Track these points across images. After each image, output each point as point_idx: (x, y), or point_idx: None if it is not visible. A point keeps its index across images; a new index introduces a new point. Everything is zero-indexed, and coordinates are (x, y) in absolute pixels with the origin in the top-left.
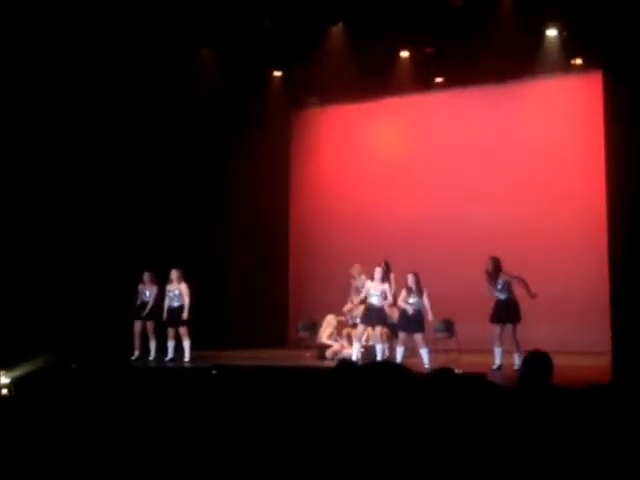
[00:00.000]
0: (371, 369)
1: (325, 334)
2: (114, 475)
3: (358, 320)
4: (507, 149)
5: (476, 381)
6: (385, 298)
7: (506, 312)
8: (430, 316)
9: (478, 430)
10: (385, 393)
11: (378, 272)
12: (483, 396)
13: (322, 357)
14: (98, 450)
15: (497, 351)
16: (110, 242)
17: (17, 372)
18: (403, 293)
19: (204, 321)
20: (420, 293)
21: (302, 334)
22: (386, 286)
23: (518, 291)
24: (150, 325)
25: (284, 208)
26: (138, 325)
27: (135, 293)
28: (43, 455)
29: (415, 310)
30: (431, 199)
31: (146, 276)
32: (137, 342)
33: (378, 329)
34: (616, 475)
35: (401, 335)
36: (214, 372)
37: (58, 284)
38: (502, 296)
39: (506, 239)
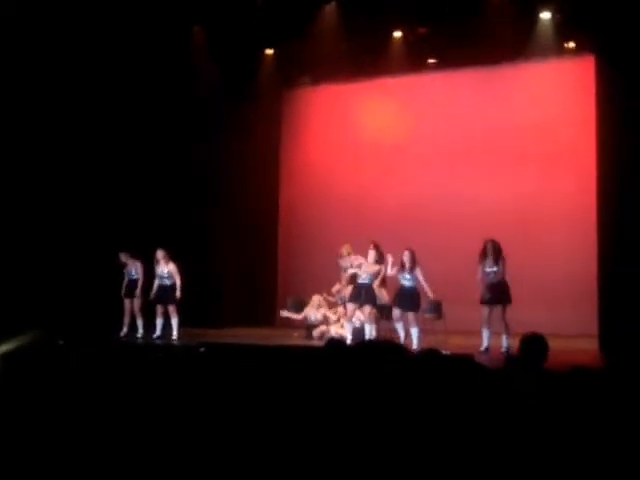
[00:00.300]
0: (362, 348)
1: (311, 314)
2: (100, 454)
3: (347, 300)
4: (500, 131)
5: (463, 362)
6: (376, 279)
7: (496, 294)
8: (430, 293)
9: (465, 412)
10: (375, 373)
11: (372, 254)
12: (470, 378)
13: (309, 336)
14: (85, 428)
15: (485, 333)
16: (98, 221)
17: (3, 348)
18: (395, 270)
19: (192, 299)
20: (414, 270)
21: (288, 310)
22: (379, 268)
23: (509, 272)
24: (137, 302)
25: (274, 188)
26: (127, 303)
27: (121, 271)
28: (30, 433)
29: (410, 288)
30: (422, 180)
31: (123, 256)
32: (126, 319)
33: (367, 308)
34: (604, 460)
35: (395, 312)
36: (202, 350)
37: (46, 261)
38: (493, 278)
39: (497, 222)
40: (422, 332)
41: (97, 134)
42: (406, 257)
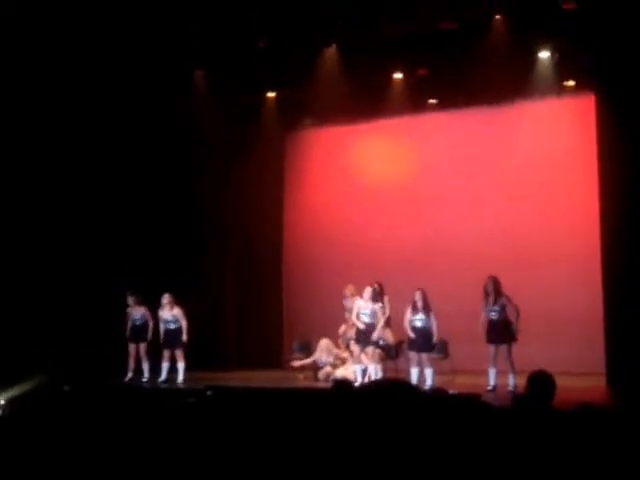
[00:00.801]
0: (368, 389)
1: (323, 356)
2: None
3: (352, 342)
4: (500, 171)
5: (471, 402)
6: (374, 317)
7: (501, 332)
8: (435, 337)
9: (473, 452)
10: (383, 414)
11: (367, 292)
12: (477, 417)
13: (316, 378)
14: (90, 473)
15: (491, 372)
16: (103, 265)
17: (11, 393)
18: (408, 311)
19: (198, 342)
20: (428, 311)
21: (296, 356)
22: (376, 306)
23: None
24: (143, 347)
25: (278, 229)
26: (132, 347)
27: (125, 316)
28: (37, 476)
29: (423, 328)
30: (425, 220)
31: (131, 300)
32: (131, 364)
33: (370, 349)
34: None
35: (411, 355)
36: (209, 393)
37: (51, 306)
38: (497, 316)
39: (500, 259)
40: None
41: (101, 174)
42: (417, 297)
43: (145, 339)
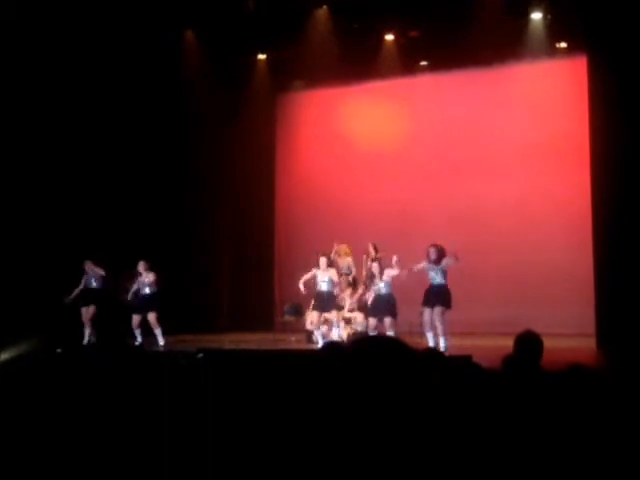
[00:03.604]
0: (360, 346)
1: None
2: (100, 460)
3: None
4: (492, 133)
5: (462, 362)
6: (334, 284)
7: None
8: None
9: (463, 412)
10: (373, 372)
11: (323, 261)
12: (471, 378)
13: (310, 341)
14: (85, 435)
15: (429, 335)
16: (98, 230)
17: (3, 357)
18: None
19: (190, 305)
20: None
21: (287, 318)
22: (333, 272)
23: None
24: (152, 316)
25: (269, 193)
26: (137, 318)
27: (131, 279)
28: (29, 440)
29: (439, 285)
30: (415, 182)
31: (142, 265)
32: (138, 330)
33: (388, 320)
34: (602, 459)
35: (425, 312)
36: (200, 355)
37: (42, 270)
38: (438, 281)
39: (491, 222)
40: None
41: (92, 140)
42: (432, 253)
43: (156, 307)
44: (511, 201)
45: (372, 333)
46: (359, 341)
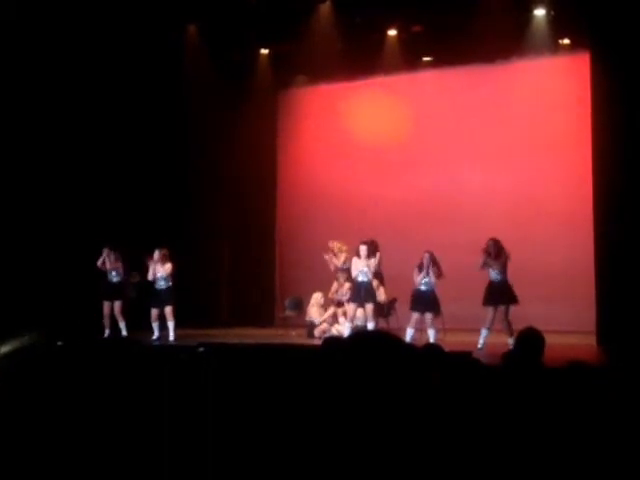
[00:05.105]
0: (358, 342)
1: (313, 313)
2: (100, 454)
3: (345, 299)
4: (495, 129)
5: (463, 359)
6: (370, 275)
7: (500, 294)
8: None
9: (464, 408)
10: (373, 368)
11: (363, 249)
12: (470, 373)
13: (311, 335)
14: (85, 430)
15: (484, 332)
16: (97, 219)
17: (2, 350)
18: (415, 272)
19: (191, 300)
20: (435, 273)
21: (288, 313)
22: (372, 261)
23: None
24: (169, 310)
25: (271, 188)
26: (155, 312)
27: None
28: (29, 434)
29: (428, 290)
30: (418, 178)
31: (157, 254)
32: (156, 328)
33: (369, 307)
34: (602, 455)
35: (414, 315)
36: (201, 349)
37: (45, 262)
38: (497, 277)
39: (494, 218)
40: (418, 330)
41: (94, 134)
42: (426, 260)
43: (173, 300)
44: (511, 195)
45: (412, 328)
46: (357, 336)
